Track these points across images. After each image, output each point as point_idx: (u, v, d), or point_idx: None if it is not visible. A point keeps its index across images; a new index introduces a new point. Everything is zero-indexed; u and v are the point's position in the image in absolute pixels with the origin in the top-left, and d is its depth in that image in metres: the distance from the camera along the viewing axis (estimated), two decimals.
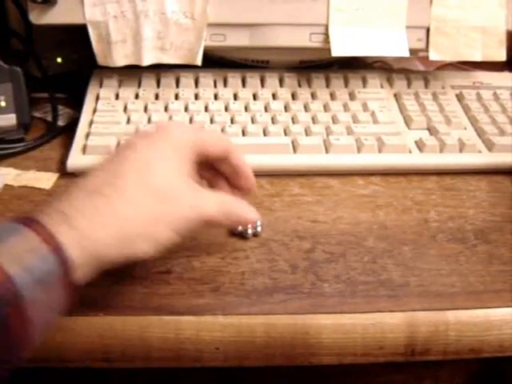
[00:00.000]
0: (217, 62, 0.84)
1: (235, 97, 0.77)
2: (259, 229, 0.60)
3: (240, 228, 0.59)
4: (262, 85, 0.80)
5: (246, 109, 0.75)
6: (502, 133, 0.74)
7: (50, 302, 0.43)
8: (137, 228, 0.47)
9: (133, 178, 0.48)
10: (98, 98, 0.76)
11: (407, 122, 0.76)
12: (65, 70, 0.89)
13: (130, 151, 0.50)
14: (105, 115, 0.73)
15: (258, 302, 0.52)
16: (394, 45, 0.76)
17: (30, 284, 0.41)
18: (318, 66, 0.84)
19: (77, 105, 0.79)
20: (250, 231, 0.59)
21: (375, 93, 0.79)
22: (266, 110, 0.75)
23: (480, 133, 0.74)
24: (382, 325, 0.51)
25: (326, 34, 0.76)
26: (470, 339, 0.52)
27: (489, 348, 0.52)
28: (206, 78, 0.79)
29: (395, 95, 0.80)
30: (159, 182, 0.48)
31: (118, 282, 0.54)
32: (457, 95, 0.81)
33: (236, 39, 0.77)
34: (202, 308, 0.51)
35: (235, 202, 0.53)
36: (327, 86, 0.80)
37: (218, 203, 0.51)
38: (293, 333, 0.51)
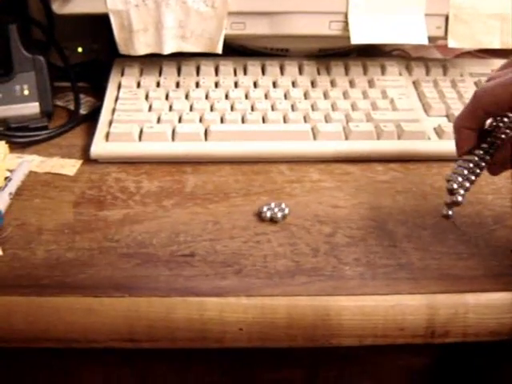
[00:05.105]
0: (237, 50, 0.85)
1: (255, 84, 0.78)
2: (287, 211, 0.61)
3: (269, 214, 0.60)
4: (282, 73, 0.80)
5: (266, 96, 0.76)
6: None
7: None
8: None
9: None
10: (119, 87, 0.77)
11: (426, 109, 0.76)
12: (85, 60, 0.90)
13: None
14: (127, 103, 0.74)
15: (280, 283, 0.53)
16: (413, 32, 0.77)
17: None
18: (336, 54, 0.85)
19: (98, 93, 0.80)
20: (279, 215, 0.60)
21: (394, 80, 0.80)
22: (285, 97, 0.76)
23: None
24: (402, 307, 0.52)
25: (346, 22, 0.76)
26: (490, 321, 0.53)
27: (508, 330, 0.53)
28: (227, 66, 0.80)
29: (414, 83, 0.80)
30: None
31: (142, 264, 0.55)
32: (475, 83, 0.81)
33: (256, 27, 0.77)
34: (225, 290, 0.52)
35: None
36: (346, 73, 0.81)
37: None
38: (314, 314, 0.52)
